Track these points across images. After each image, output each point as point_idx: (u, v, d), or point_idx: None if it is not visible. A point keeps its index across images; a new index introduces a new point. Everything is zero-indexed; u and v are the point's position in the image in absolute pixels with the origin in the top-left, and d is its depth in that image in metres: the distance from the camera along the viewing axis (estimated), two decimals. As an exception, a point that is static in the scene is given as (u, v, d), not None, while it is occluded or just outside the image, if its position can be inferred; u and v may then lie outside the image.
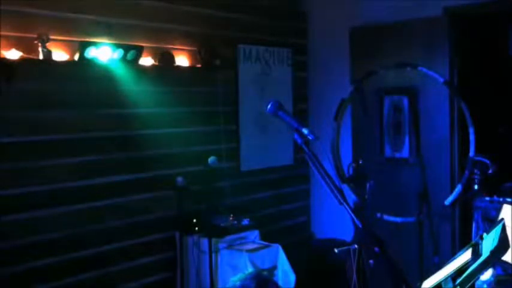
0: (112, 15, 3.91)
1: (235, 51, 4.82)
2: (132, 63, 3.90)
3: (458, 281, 1.85)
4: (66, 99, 3.68)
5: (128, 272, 4.06)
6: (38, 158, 3.55)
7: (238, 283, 2.02)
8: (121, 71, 3.92)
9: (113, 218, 3.96)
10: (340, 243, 4.78)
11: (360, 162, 4.63)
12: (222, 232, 4.11)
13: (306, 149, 1.80)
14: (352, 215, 1.67)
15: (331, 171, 1.76)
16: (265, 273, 2.11)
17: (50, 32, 3.48)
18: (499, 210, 3.12)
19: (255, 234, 4.35)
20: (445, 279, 1.92)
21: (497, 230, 1.94)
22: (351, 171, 4.72)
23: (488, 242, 1.90)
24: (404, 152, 4.85)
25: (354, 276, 4.30)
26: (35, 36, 3.42)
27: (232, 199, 4.73)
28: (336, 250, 4.30)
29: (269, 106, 1.89)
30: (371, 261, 4.05)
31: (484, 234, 1.96)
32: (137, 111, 4.08)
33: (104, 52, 3.68)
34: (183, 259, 4.14)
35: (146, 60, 4.06)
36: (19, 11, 3.44)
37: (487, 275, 2.64)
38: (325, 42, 5.44)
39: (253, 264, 3.90)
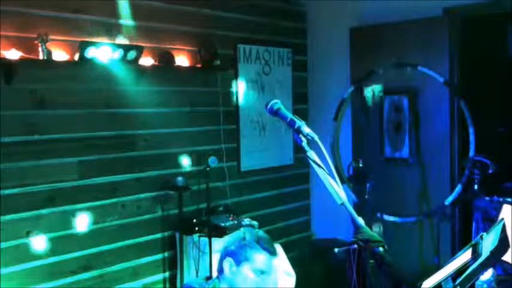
0: (112, 15, 3.91)
1: (235, 51, 4.82)
2: (132, 63, 3.90)
3: (458, 281, 1.85)
4: (66, 99, 3.68)
5: (128, 272, 4.06)
6: (38, 158, 3.55)
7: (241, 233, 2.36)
8: (121, 71, 3.93)
9: (113, 218, 3.96)
10: (340, 243, 4.78)
11: (360, 163, 4.64)
12: (222, 232, 4.10)
13: (306, 148, 1.80)
14: (353, 214, 1.67)
15: (331, 171, 1.76)
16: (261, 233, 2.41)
17: (50, 32, 3.47)
18: (499, 210, 3.12)
19: (255, 234, 4.35)
20: (445, 279, 1.92)
21: (497, 230, 1.94)
22: (351, 171, 4.73)
23: (488, 242, 1.90)
24: (404, 152, 4.85)
25: (354, 276, 4.30)
26: (35, 36, 3.42)
27: (232, 199, 4.73)
28: (336, 250, 4.30)
29: (269, 106, 1.89)
30: (371, 261, 4.05)
31: (484, 234, 1.96)
32: (137, 111, 4.08)
33: (104, 52, 3.67)
34: (183, 259, 4.14)
35: (146, 60, 4.06)
36: (19, 11, 3.44)
37: (487, 275, 2.64)
38: (325, 42, 5.44)
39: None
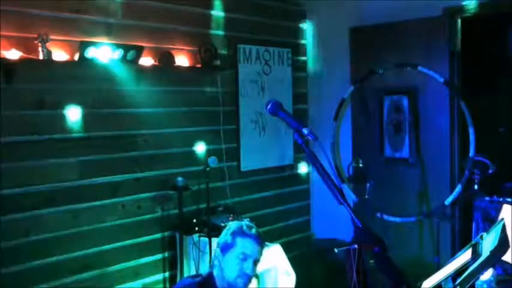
0: (112, 15, 3.91)
1: (235, 51, 4.82)
2: (132, 63, 3.90)
3: (458, 281, 1.85)
4: (66, 99, 3.68)
5: (128, 272, 4.06)
6: (38, 158, 3.55)
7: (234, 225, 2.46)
8: (121, 71, 3.93)
9: (113, 218, 3.96)
10: (340, 243, 4.78)
11: (360, 163, 4.64)
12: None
13: (305, 149, 1.80)
14: (352, 214, 1.67)
15: (331, 171, 1.76)
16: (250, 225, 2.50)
17: (50, 32, 3.47)
18: (499, 210, 3.12)
19: (254, 234, 4.35)
20: (445, 279, 1.92)
21: (497, 230, 1.93)
22: (351, 171, 4.73)
23: (488, 242, 1.90)
24: (404, 152, 4.85)
25: (354, 276, 4.30)
26: (35, 36, 3.42)
27: (232, 199, 4.73)
28: (336, 250, 4.30)
29: (269, 106, 1.89)
30: (371, 261, 4.05)
31: (484, 234, 1.96)
32: (137, 111, 4.08)
33: (104, 52, 3.68)
34: (183, 259, 4.14)
35: (146, 60, 4.06)
36: (19, 11, 3.44)
37: (487, 275, 2.64)
38: (325, 42, 5.44)
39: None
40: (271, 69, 5.15)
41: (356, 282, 4.31)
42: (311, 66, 5.56)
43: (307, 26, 5.55)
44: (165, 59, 4.19)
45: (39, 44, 3.42)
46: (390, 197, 4.84)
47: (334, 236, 5.17)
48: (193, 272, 4.06)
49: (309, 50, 5.56)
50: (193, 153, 4.45)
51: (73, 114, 3.71)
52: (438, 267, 2.03)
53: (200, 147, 4.46)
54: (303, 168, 5.41)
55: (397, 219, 4.73)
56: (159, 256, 4.26)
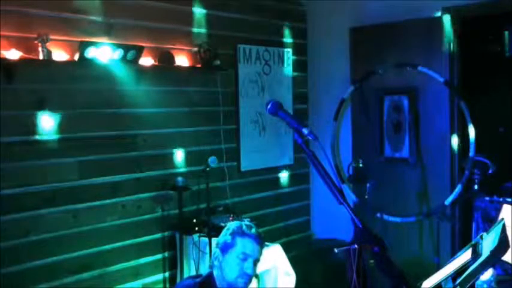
0: (112, 15, 3.91)
1: (235, 51, 4.82)
2: (132, 63, 3.90)
3: (458, 281, 1.85)
4: (66, 99, 3.68)
5: (128, 272, 4.06)
6: (38, 158, 3.55)
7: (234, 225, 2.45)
8: (121, 71, 3.93)
9: (113, 218, 3.96)
10: (340, 243, 4.79)
11: (360, 163, 4.64)
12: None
13: (305, 149, 1.80)
14: (352, 214, 1.67)
15: (331, 171, 1.76)
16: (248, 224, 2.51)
17: (50, 32, 3.48)
18: (499, 210, 3.12)
19: (254, 234, 4.34)
20: (445, 279, 1.92)
21: (497, 230, 1.94)
22: (351, 171, 4.73)
23: (488, 242, 1.90)
24: (404, 152, 4.85)
25: (354, 276, 4.30)
26: (35, 36, 3.42)
27: (232, 199, 4.73)
28: (336, 250, 4.31)
29: (269, 106, 1.89)
30: (371, 261, 4.06)
31: (484, 234, 1.97)
32: (137, 111, 4.08)
33: (104, 52, 3.68)
34: (183, 259, 4.14)
35: (146, 60, 4.06)
36: (19, 11, 3.44)
37: (487, 275, 2.64)
38: (325, 42, 5.44)
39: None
40: (271, 69, 5.15)
41: (356, 282, 4.31)
42: (311, 66, 5.57)
43: (307, 26, 5.55)
44: (165, 59, 4.19)
45: (39, 44, 3.42)
46: (390, 197, 4.84)
47: (334, 236, 5.17)
48: (193, 272, 4.06)
49: (309, 50, 5.56)
50: (193, 153, 4.44)
51: (73, 114, 3.72)
52: (438, 267, 2.04)
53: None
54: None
55: (397, 219, 4.73)
56: (159, 256, 4.26)
